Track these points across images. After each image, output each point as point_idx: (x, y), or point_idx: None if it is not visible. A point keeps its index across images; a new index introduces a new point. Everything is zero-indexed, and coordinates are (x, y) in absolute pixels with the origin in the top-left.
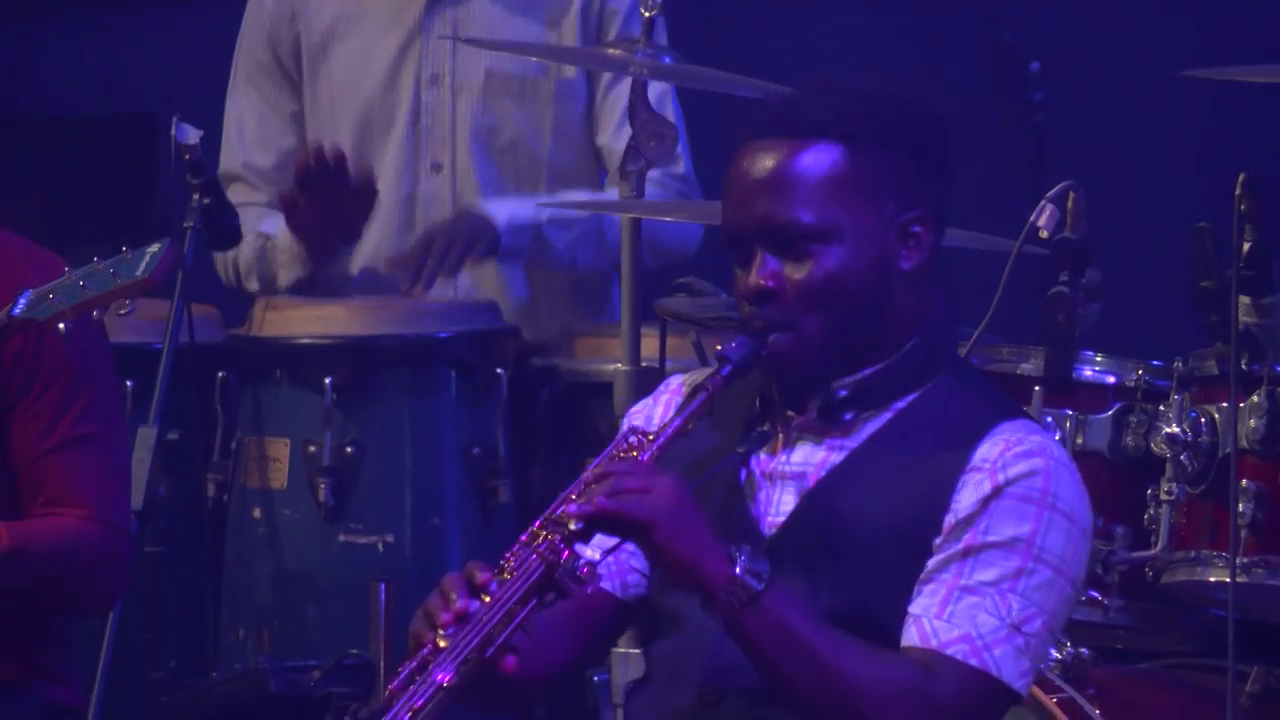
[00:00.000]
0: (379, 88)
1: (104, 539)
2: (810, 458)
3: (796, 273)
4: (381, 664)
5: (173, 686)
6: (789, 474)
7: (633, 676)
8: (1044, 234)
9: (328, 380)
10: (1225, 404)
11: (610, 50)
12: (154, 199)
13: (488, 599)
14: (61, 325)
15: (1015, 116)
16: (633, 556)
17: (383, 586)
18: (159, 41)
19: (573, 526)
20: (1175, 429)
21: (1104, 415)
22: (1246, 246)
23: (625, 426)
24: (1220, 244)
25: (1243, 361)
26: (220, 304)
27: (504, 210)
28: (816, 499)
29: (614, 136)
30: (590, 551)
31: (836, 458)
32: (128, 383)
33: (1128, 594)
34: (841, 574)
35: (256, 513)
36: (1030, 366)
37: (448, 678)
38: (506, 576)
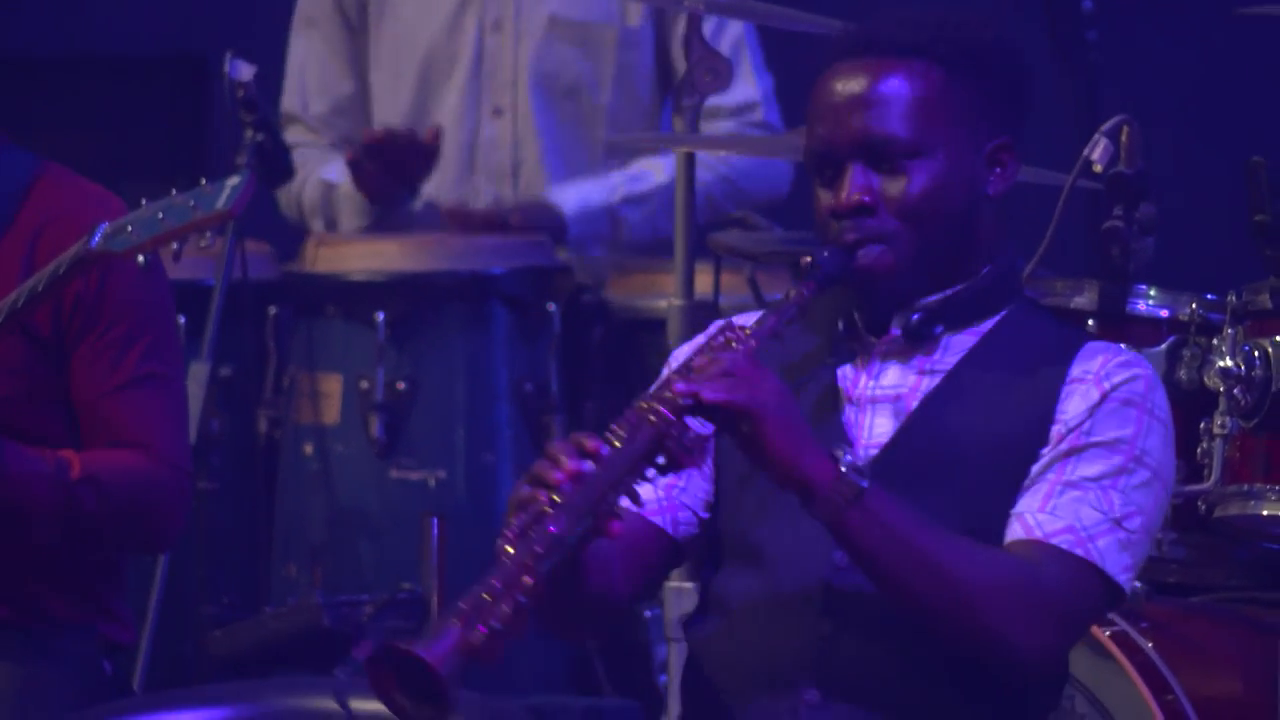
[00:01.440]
0: (441, 33)
1: (168, 478)
2: (902, 380)
3: (891, 188)
4: (434, 599)
5: (225, 621)
6: (881, 398)
7: (685, 610)
8: (1098, 168)
9: (380, 316)
10: (1279, 338)
11: None
12: (208, 136)
13: (597, 464)
14: (140, 258)
15: (1069, 55)
16: (683, 494)
17: (435, 522)
18: None
19: (681, 402)
20: (1229, 363)
21: (1158, 349)
22: None
23: (673, 367)
24: (1275, 177)
25: None
26: (273, 240)
27: (572, 198)
28: (919, 421)
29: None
30: (696, 429)
31: (931, 380)
32: (180, 318)
33: (1181, 528)
34: (950, 493)
35: (309, 449)
36: (1084, 300)
37: (561, 529)
38: (616, 444)
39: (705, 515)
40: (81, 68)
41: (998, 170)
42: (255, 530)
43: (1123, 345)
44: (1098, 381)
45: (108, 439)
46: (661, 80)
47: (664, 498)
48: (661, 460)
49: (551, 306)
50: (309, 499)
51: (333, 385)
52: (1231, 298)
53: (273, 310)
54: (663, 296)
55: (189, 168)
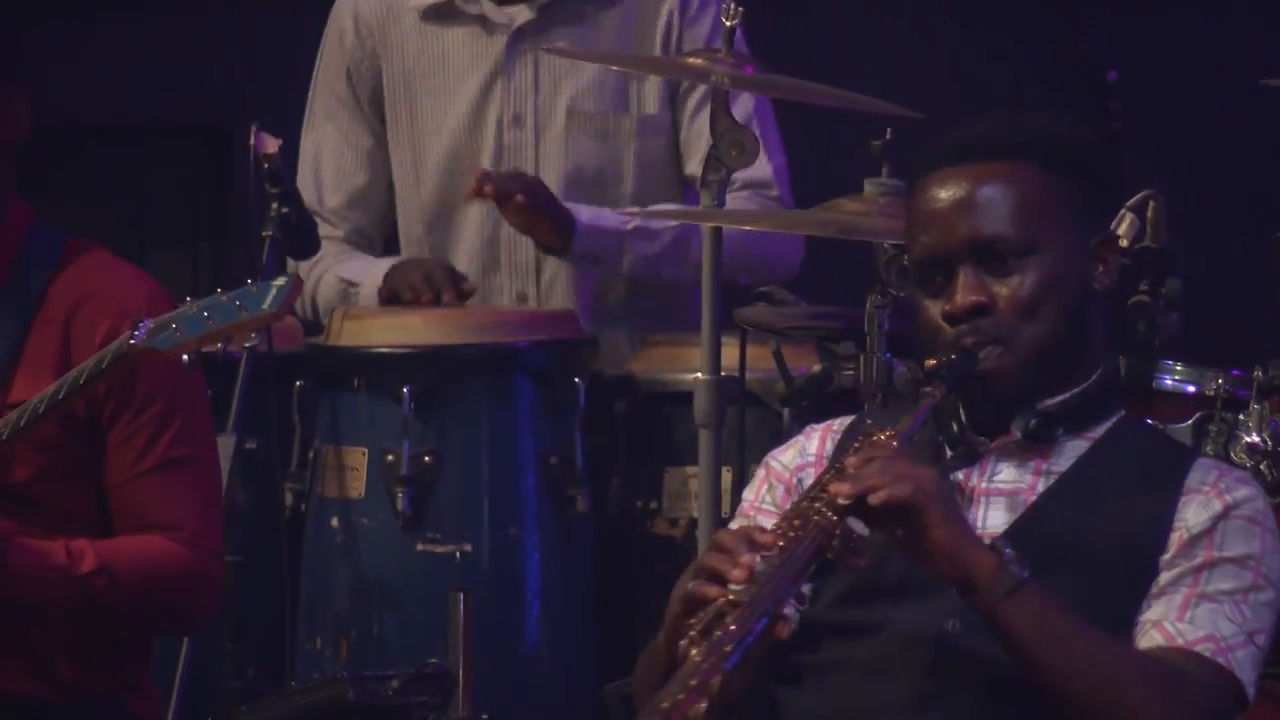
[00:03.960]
0: (462, 129)
1: (196, 561)
2: (1019, 477)
3: (1004, 288)
4: (460, 673)
5: (250, 696)
6: (995, 492)
7: None
8: (1124, 243)
9: (405, 389)
10: None
11: (691, 60)
12: (233, 206)
13: (765, 561)
14: (185, 357)
15: (1093, 127)
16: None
17: (462, 596)
18: (240, 50)
19: (844, 502)
20: (1255, 438)
21: (1184, 424)
22: None
23: (770, 469)
24: None
25: None
26: (310, 315)
27: (586, 212)
28: (1035, 515)
29: (701, 164)
30: (859, 527)
31: (1048, 480)
32: (208, 392)
33: None
34: (1063, 587)
35: (334, 522)
36: None
37: (745, 628)
38: (781, 543)
39: (803, 607)
40: (108, 137)
41: (1101, 267)
42: (280, 604)
43: (1150, 419)
44: (1219, 494)
45: (137, 522)
46: (677, 161)
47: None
48: (829, 558)
49: (577, 379)
50: (334, 572)
51: (358, 458)
52: (1258, 373)
53: (298, 383)
54: (688, 370)
55: (215, 238)
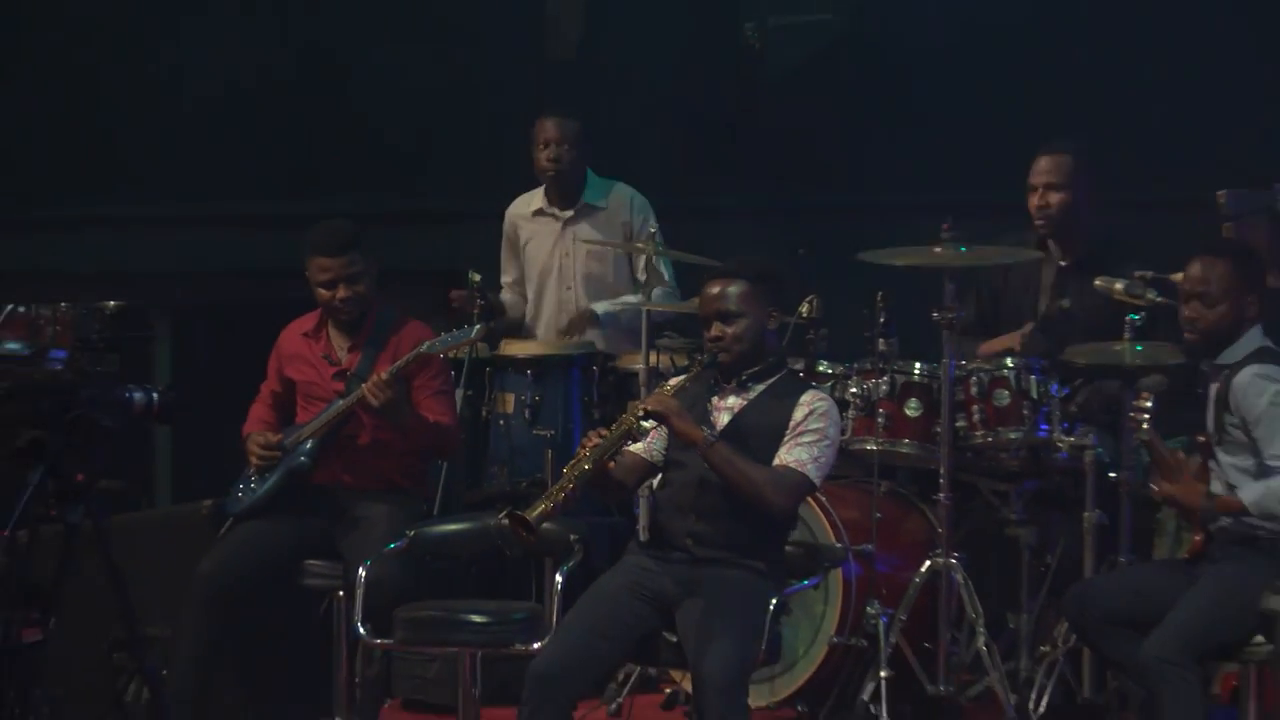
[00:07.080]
0: (545, 260)
1: (451, 430)
2: (736, 403)
3: (731, 329)
4: (550, 483)
5: (468, 488)
6: (725, 408)
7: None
8: (804, 310)
9: (529, 371)
10: (875, 380)
11: (638, 244)
12: (463, 303)
13: (606, 435)
14: (442, 356)
15: (778, 264)
16: (654, 443)
17: (549, 452)
18: (472, 232)
19: (639, 414)
20: (856, 390)
21: (827, 385)
22: (959, 315)
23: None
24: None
25: (882, 364)
26: (490, 341)
27: (602, 308)
28: (737, 417)
29: (642, 274)
30: (649, 424)
31: (745, 403)
32: (452, 372)
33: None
34: (747, 446)
35: (501, 423)
36: (799, 368)
37: (589, 466)
38: (611, 430)
39: (665, 450)
40: (399, 275)
41: (772, 320)
42: (479, 454)
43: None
44: (809, 405)
45: (428, 413)
46: (633, 270)
47: (648, 445)
48: (632, 439)
49: (595, 368)
50: (502, 442)
51: (510, 397)
52: (857, 364)
53: (488, 369)
54: (637, 365)
55: (450, 315)
